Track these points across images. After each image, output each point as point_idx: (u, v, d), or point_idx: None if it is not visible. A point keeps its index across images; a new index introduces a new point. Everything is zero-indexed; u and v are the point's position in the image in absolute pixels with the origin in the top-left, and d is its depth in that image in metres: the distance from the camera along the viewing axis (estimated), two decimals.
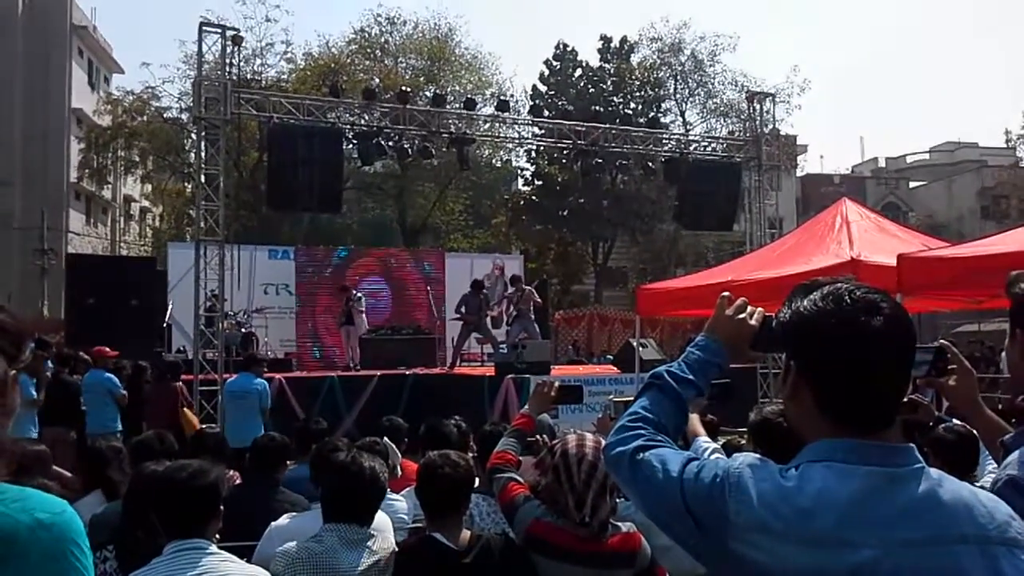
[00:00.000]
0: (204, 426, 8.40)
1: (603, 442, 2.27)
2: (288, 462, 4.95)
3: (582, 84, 36.72)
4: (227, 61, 13.02)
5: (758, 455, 1.46)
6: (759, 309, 1.77)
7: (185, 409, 9.71)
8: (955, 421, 3.56)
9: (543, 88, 36.60)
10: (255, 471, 4.46)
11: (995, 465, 2.25)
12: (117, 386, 9.48)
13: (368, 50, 32.93)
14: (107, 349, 9.92)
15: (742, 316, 1.76)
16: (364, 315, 16.08)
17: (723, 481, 1.42)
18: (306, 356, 18.91)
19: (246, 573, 2.65)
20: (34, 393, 8.40)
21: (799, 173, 43.08)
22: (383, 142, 14.59)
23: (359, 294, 16.21)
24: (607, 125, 16.23)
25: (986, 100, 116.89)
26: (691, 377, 1.71)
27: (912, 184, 50.73)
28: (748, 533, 1.36)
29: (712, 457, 1.61)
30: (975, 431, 2.62)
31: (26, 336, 1.34)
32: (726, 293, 1.83)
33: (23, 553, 1.17)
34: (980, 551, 1.32)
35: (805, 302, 1.49)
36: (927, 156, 55.80)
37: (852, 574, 1.29)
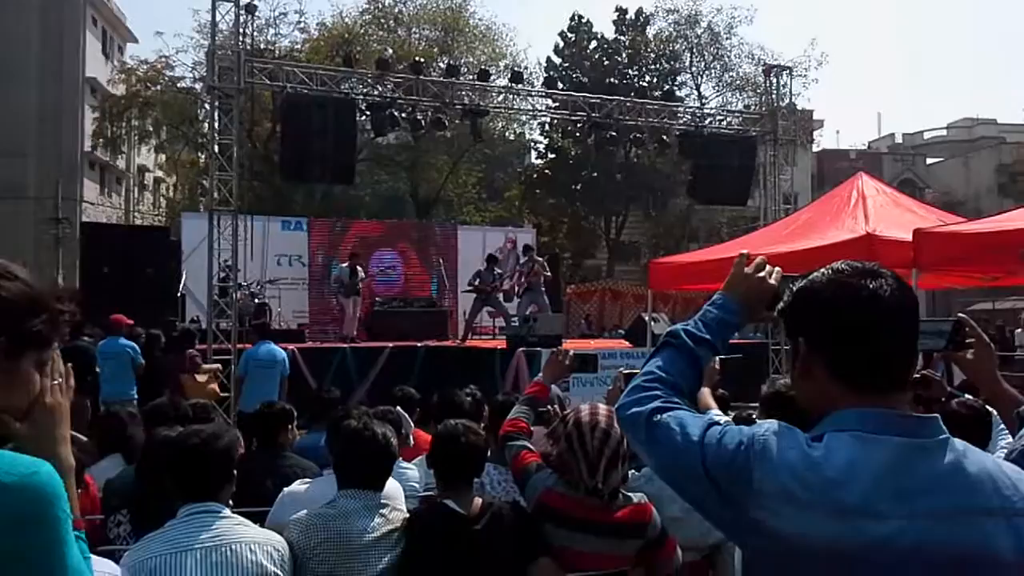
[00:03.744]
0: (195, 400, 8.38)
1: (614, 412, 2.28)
2: (300, 430, 4.99)
3: (597, 56, 36.41)
4: (240, 31, 12.97)
5: (783, 423, 1.45)
6: (778, 268, 1.74)
7: (183, 375, 9.72)
8: (967, 396, 3.55)
9: (557, 60, 36.34)
10: (261, 438, 4.51)
11: (1009, 439, 2.24)
12: (138, 353, 9.55)
13: (381, 20, 32.69)
14: (123, 317, 9.97)
15: (761, 275, 1.73)
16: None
17: (748, 448, 1.40)
18: (318, 329, 18.93)
19: (259, 536, 2.68)
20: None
21: (815, 148, 42.75)
22: (396, 113, 14.50)
23: (361, 272, 15.75)
24: (621, 98, 16.11)
25: (1005, 76, 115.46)
26: (707, 336, 1.69)
27: (929, 160, 50.32)
28: (772, 502, 1.35)
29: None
30: (992, 405, 2.61)
31: (33, 308, 1.29)
32: (744, 251, 1.80)
33: None
34: (1005, 523, 1.32)
35: (804, 282, 1.51)
36: (945, 132, 55.31)
37: (878, 545, 1.29)
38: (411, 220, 28.86)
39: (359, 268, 15.10)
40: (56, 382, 1.33)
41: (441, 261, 19.77)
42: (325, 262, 19.69)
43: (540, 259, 14.95)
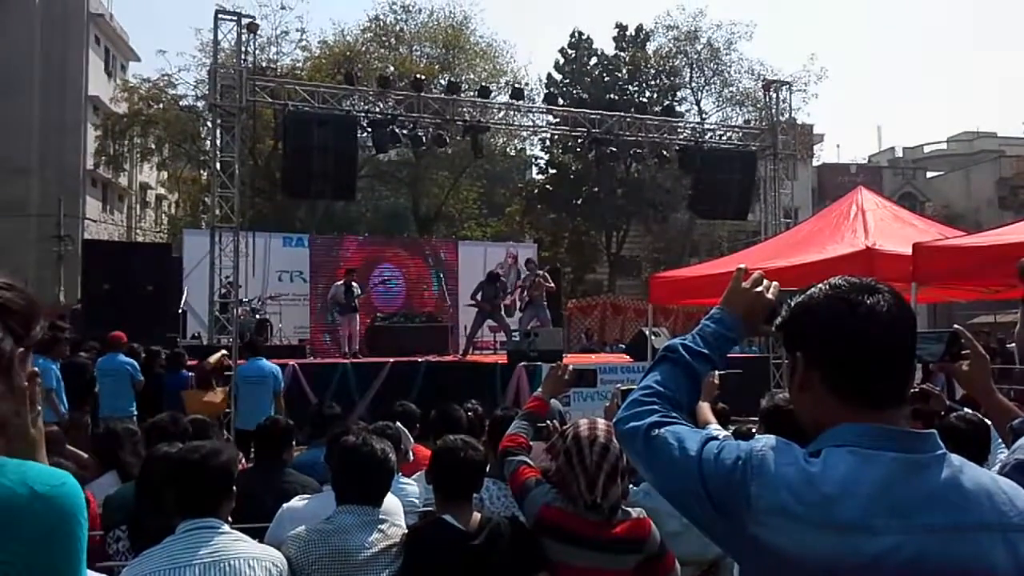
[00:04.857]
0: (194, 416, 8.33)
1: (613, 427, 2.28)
2: (300, 446, 4.98)
3: (597, 72, 36.56)
4: (242, 49, 13.05)
5: (781, 438, 1.45)
6: (775, 283, 1.74)
7: (183, 392, 9.69)
8: (967, 410, 3.55)
9: (558, 76, 36.48)
10: (261, 454, 4.49)
11: (1006, 452, 2.25)
12: (137, 370, 9.53)
13: (383, 38, 32.88)
14: (122, 334, 9.96)
15: (759, 289, 1.73)
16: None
17: (745, 463, 1.40)
18: (318, 342, 18.94)
19: (258, 552, 2.68)
20: (54, 382, 8.43)
21: (815, 162, 42.86)
22: (397, 130, 14.58)
23: (357, 288, 15.89)
24: (622, 113, 16.17)
25: (1005, 89, 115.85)
26: (705, 351, 1.68)
27: (929, 174, 50.40)
28: (769, 517, 1.34)
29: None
30: (987, 417, 2.61)
31: (36, 315, 1.31)
32: (742, 265, 1.81)
33: (18, 526, 1.13)
34: (1001, 538, 1.32)
35: (801, 297, 1.51)
36: (945, 146, 55.38)
37: (875, 561, 1.29)
38: (411, 235, 28.96)
39: (354, 285, 15.10)
40: (37, 412, 1.33)
41: (442, 276, 19.81)
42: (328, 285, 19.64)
43: (542, 272, 14.96)
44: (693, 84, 35.89)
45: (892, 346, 1.42)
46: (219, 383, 10.11)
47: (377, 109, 14.68)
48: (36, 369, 1.33)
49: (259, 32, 15.38)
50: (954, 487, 1.35)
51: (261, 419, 8.01)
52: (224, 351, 11.03)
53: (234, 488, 2.77)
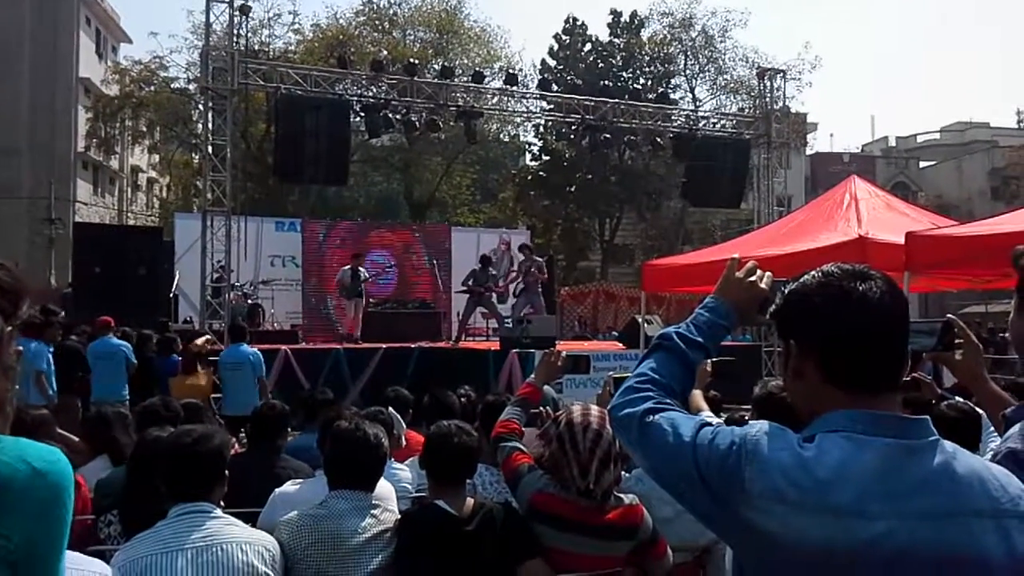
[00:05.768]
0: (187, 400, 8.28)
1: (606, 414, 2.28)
2: (293, 431, 4.97)
3: (591, 59, 36.52)
4: (234, 31, 12.98)
5: (775, 424, 1.45)
6: (768, 273, 1.76)
7: (172, 378, 9.66)
8: (958, 399, 3.56)
9: (552, 62, 36.41)
10: (256, 439, 4.48)
11: (998, 440, 2.26)
12: (132, 353, 9.51)
13: (376, 22, 32.71)
14: (110, 319, 9.92)
15: (752, 279, 1.74)
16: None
17: (739, 448, 1.40)
18: (315, 322, 18.83)
19: (250, 536, 2.67)
20: (45, 365, 8.40)
21: (808, 151, 42.89)
22: (390, 115, 14.53)
23: (364, 272, 15.79)
24: (616, 100, 16.14)
25: (998, 80, 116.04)
26: (699, 339, 1.69)
27: (922, 164, 50.52)
28: (763, 502, 1.34)
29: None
30: (979, 406, 2.62)
31: (24, 294, 1.32)
32: (736, 255, 1.81)
33: (19, 501, 1.17)
34: (994, 524, 1.33)
35: (795, 284, 1.52)
36: (938, 136, 55.50)
37: (868, 545, 1.29)
38: (403, 221, 28.90)
39: (361, 269, 15.05)
40: (14, 390, 1.34)
41: (435, 261, 19.78)
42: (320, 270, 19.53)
43: (539, 259, 14.93)
44: (687, 71, 35.86)
45: (885, 332, 1.42)
46: (204, 367, 10.08)
47: (370, 93, 14.64)
48: (20, 348, 1.34)
49: (251, 14, 15.33)
50: (947, 473, 1.35)
51: (243, 404, 8.04)
52: (209, 335, 10.99)
53: (226, 472, 2.77)
